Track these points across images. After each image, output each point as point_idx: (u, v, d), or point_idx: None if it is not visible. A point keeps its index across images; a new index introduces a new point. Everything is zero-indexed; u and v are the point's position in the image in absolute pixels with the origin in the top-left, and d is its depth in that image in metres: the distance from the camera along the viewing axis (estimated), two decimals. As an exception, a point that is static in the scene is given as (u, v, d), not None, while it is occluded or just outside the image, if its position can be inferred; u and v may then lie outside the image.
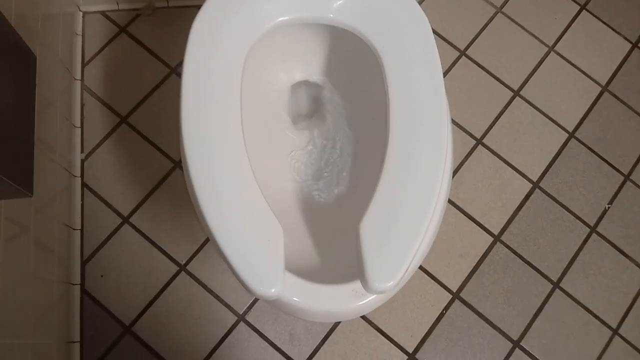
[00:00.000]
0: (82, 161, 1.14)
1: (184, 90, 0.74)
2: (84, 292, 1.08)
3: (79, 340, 1.05)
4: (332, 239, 0.83)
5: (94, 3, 1.21)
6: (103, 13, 1.23)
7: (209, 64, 0.75)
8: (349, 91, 0.94)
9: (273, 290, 0.68)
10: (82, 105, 1.17)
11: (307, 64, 0.95)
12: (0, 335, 0.75)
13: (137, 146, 1.16)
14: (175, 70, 1.21)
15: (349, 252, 0.74)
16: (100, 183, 1.13)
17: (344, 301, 0.71)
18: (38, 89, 0.95)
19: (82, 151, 1.15)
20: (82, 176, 1.13)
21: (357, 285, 0.71)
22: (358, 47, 0.82)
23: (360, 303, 0.72)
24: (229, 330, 1.07)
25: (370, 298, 0.72)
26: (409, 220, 0.72)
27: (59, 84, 1.09)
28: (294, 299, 0.71)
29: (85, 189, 1.13)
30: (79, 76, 1.19)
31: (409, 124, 0.75)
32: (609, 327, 1.12)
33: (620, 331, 1.12)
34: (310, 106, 0.97)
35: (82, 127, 1.16)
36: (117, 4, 1.22)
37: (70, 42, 1.18)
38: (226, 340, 1.07)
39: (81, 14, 1.22)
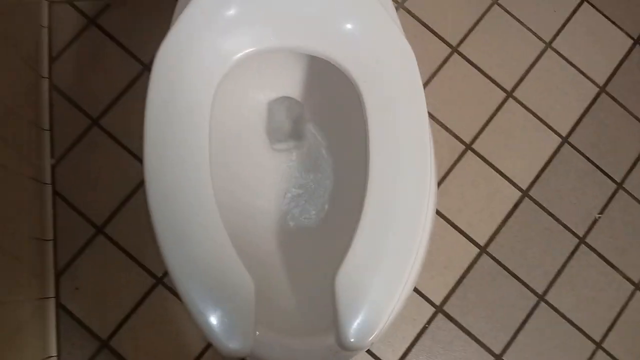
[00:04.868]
0: (53, 167, 1.09)
1: (146, 136, 0.69)
2: (59, 306, 1.05)
3: (56, 354, 1.04)
4: (309, 276, 0.80)
5: (60, -8, 1.13)
6: (71, 3, 1.14)
7: (174, 104, 0.70)
8: (328, 115, 0.89)
9: (241, 349, 0.65)
10: (51, 105, 1.11)
11: (285, 84, 0.89)
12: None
13: (110, 151, 1.10)
14: (148, 68, 1.14)
15: (325, 296, 0.71)
16: (71, 191, 1.09)
17: (318, 357, 0.69)
18: None
19: (52, 156, 1.09)
20: (52, 183, 1.09)
21: (331, 341, 0.69)
22: (338, 73, 0.76)
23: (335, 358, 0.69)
24: (208, 345, 1.06)
25: (346, 354, 0.70)
26: (387, 275, 0.68)
27: (23, 83, 1.02)
28: (265, 355, 0.68)
29: (57, 197, 1.08)
30: (46, 74, 1.11)
31: (389, 170, 0.70)
32: (593, 341, 1.11)
33: (604, 345, 1.11)
34: (289, 125, 0.91)
35: (51, 130, 1.10)
36: (86, -7, 1.13)
37: (37, 36, 1.10)
38: (206, 353, 1.05)
39: (47, 3, 1.14)
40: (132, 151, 1.10)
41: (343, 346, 0.66)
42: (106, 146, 1.10)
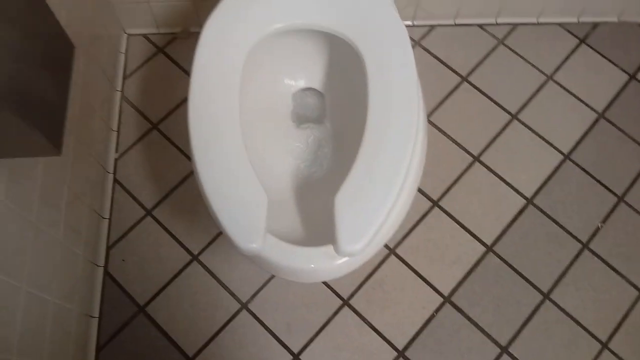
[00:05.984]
0: (116, 160, 1.29)
1: (191, 87, 0.87)
2: (106, 273, 1.20)
3: (97, 315, 1.16)
4: (317, 215, 0.93)
5: (137, 27, 1.39)
6: (145, 35, 1.41)
7: (214, 64, 0.89)
8: (345, 98, 1.06)
9: (253, 245, 0.78)
10: (120, 112, 1.33)
11: (310, 72, 1.07)
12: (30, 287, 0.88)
13: (164, 150, 1.30)
14: (203, 86, 1.36)
15: (327, 219, 0.83)
16: (129, 179, 1.27)
17: (316, 261, 0.81)
18: (83, 96, 1.11)
19: (116, 151, 1.30)
20: (114, 173, 1.28)
21: (329, 248, 0.80)
22: (351, 56, 0.94)
23: (331, 264, 0.81)
24: (232, 316, 1.16)
25: (341, 261, 0.81)
26: (378, 196, 0.81)
27: (101, 93, 1.25)
28: (272, 256, 0.80)
29: (116, 184, 1.27)
30: (119, 87, 1.35)
31: (383, 113, 0.85)
32: (599, 341, 1.15)
33: (610, 345, 1.14)
34: (312, 110, 1.09)
35: (118, 131, 1.32)
36: (157, 27, 1.40)
37: (115, 59, 1.36)
38: (229, 325, 1.16)
39: (126, 35, 1.41)
40: (183, 150, 1.29)
41: (339, 251, 0.78)
42: (162, 146, 1.30)
